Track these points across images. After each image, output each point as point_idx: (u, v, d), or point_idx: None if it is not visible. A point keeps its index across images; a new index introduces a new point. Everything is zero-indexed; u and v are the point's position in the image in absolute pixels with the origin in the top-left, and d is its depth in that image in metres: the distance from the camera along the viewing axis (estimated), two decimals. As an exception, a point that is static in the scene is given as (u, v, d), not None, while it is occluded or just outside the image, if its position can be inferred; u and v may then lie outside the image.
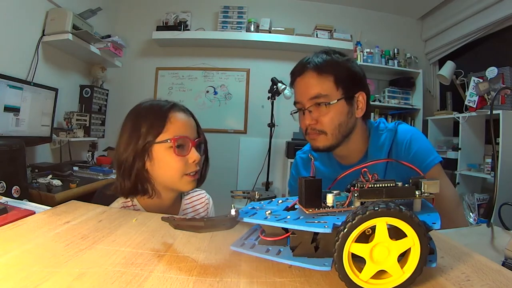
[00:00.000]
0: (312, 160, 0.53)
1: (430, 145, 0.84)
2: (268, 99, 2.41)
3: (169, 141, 0.69)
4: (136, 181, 0.71)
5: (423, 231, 0.30)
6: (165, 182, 0.73)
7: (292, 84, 0.86)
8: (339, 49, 0.86)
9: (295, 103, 0.85)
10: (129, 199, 0.75)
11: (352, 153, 0.86)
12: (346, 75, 0.79)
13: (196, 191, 0.89)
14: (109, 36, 2.39)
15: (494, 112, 1.80)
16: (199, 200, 0.89)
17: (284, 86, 2.34)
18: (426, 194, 0.36)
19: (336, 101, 0.77)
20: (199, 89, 2.91)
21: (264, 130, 2.54)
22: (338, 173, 0.42)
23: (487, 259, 0.40)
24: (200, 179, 0.79)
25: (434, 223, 0.33)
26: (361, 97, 0.81)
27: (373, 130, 0.87)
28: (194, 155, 0.72)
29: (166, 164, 0.71)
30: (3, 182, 1.13)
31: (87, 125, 2.30)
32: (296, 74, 0.83)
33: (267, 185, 2.51)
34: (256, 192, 0.48)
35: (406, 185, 0.36)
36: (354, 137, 0.83)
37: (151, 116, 0.72)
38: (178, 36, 2.70)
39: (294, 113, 0.87)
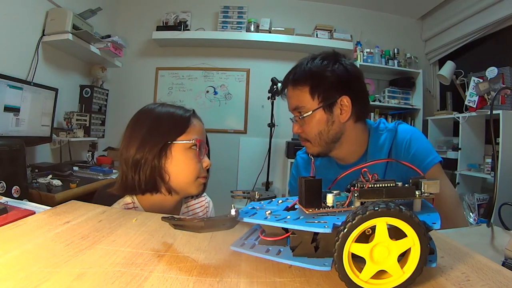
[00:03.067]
0: (312, 160, 0.53)
1: (430, 145, 0.84)
2: (268, 99, 2.42)
3: (193, 141, 0.72)
4: (151, 178, 0.71)
5: (423, 231, 0.30)
6: (179, 183, 0.73)
7: (283, 94, 0.90)
8: (339, 49, 0.87)
9: None
10: (130, 201, 0.74)
11: (349, 154, 0.86)
12: (323, 83, 0.79)
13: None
14: (109, 36, 2.39)
15: (494, 112, 1.80)
16: (200, 203, 0.89)
17: (284, 86, 2.34)
18: (426, 194, 0.36)
19: (311, 112, 0.79)
20: (199, 89, 2.91)
21: (264, 130, 2.54)
22: (338, 173, 0.42)
23: (487, 259, 0.40)
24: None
25: (434, 223, 0.33)
26: (345, 101, 0.79)
27: (373, 131, 0.87)
28: (207, 160, 0.76)
29: (184, 164, 0.72)
30: (3, 182, 1.13)
31: (87, 125, 2.30)
32: (282, 87, 0.88)
33: (267, 185, 2.51)
34: (256, 192, 0.48)
35: (406, 185, 0.36)
36: (347, 140, 0.83)
37: (174, 118, 0.74)
38: (178, 36, 2.70)
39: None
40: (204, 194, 0.91)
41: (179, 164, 0.72)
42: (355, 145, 0.85)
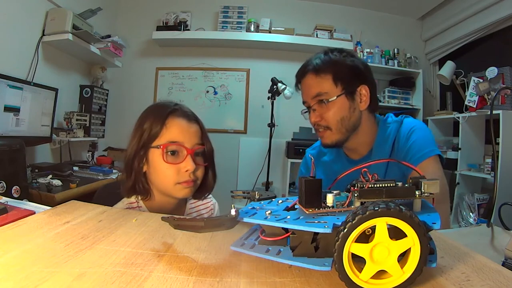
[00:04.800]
0: (312, 160, 0.53)
1: (431, 138, 0.84)
2: (268, 99, 2.41)
3: (159, 147, 0.68)
4: (135, 181, 0.70)
5: (423, 231, 0.30)
6: (159, 188, 0.72)
7: (296, 86, 0.91)
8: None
9: (303, 103, 0.90)
10: (134, 201, 0.74)
11: (360, 146, 0.89)
12: (345, 72, 0.83)
13: None
14: (109, 36, 2.39)
15: (494, 112, 1.80)
16: (205, 205, 0.88)
17: (284, 86, 2.34)
18: (426, 194, 0.36)
19: (335, 97, 0.82)
20: (199, 89, 2.91)
21: (264, 130, 2.54)
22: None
23: (487, 259, 0.40)
24: (203, 189, 0.77)
25: (434, 223, 0.33)
26: (363, 90, 0.84)
27: (381, 123, 0.90)
28: (188, 164, 0.69)
29: (158, 170, 0.69)
30: (3, 182, 1.13)
31: (87, 125, 2.30)
32: (298, 77, 0.89)
33: (267, 185, 2.51)
34: (256, 192, 0.48)
35: (406, 185, 0.36)
36: (362, 130, 0.86)
37: (151, 119, 0.71)
38: (178, 36, 2.70)
39: (305, 112, 0.90)
40: (210, 196, 0.88)
41: (155, 170, 0.70)
42: (367, 136, 0.88)
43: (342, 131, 0.83)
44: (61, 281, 0.31)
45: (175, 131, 0.70)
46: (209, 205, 0.89)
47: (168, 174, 0.68)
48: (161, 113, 0.71)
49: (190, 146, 0.71)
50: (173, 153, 0.69)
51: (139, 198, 0.74)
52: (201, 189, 0.77)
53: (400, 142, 0.83)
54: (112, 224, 0.50)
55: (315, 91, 0.83)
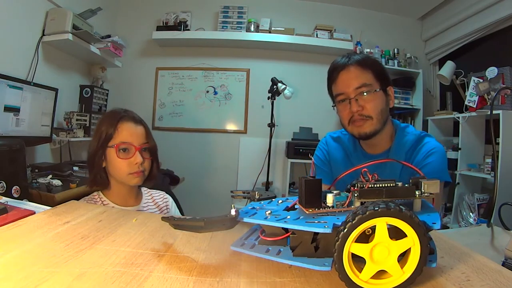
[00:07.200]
0: (312, 160, 0.53)
1: (445, 165, 0.90)
2: (268, 99, 2.41)
3: (113, 147, 0.86)
4: (95, 174, 0.88)
5: (423, 231, 0.30)
6: (116, 178, 0.89)
7: (332, 79, 0.95)
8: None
9: (336, 96, 0.94)
10: (96, 195, 0.90)
11: (380, 142, 0.95)
12: (380, 71, 0.92)
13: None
14: (109, 36, 2.39)
15: (494, 112, 1.80)
16: (158, 194, 1.05)
17: (284, 86, 2.34)
18: (426, 194, 0.36)
19: (379, 89, 0.89)
20: (199, 89, 2.90)
21: (264, 130, 2.54)
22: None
23: (487, 259, 0.40)
24: (151, 177, 0.95)
25: (434, 223, 0.33)
26: (392, 90, 0.94)
27: (400, 130, 0.96)
28: (136, 158, 0.87)
29: (114, 164, 0.87)
30: (3, 182, 1.13)
31: (87, 125, 2.30)
32: (338, 69, 0.92)
33: (267, 185, 2.51)
34: (256, 192, 0.48)
35: (406, 185, 0.36)
36: (386, 127, 0.93)
37: (106, 124, 0.88)
38: (178, 36, 2.70)
39: (334, 106, 0.96)
40: (163, 192, 1.07)
41: (111, 164, 0.88)
42: (388, 133, 0.94)
43: (381, 121, 0.89)
44: (61, 281, 0.31)
45: (125, 133, 0.88)
46: (161, 194, 1.06)
47: (121, 166, 0.87)
48: (113, 119, 0.89)
49: (138, 144, 0.89)
50: (125, 150, 0.87)
51: (100, 192, 0.91)
52: (149, 177, 0.95)
53: (418, 157, 0.88)
54: (112, 224, 0.50)
55: (361, 82, 0.88)
